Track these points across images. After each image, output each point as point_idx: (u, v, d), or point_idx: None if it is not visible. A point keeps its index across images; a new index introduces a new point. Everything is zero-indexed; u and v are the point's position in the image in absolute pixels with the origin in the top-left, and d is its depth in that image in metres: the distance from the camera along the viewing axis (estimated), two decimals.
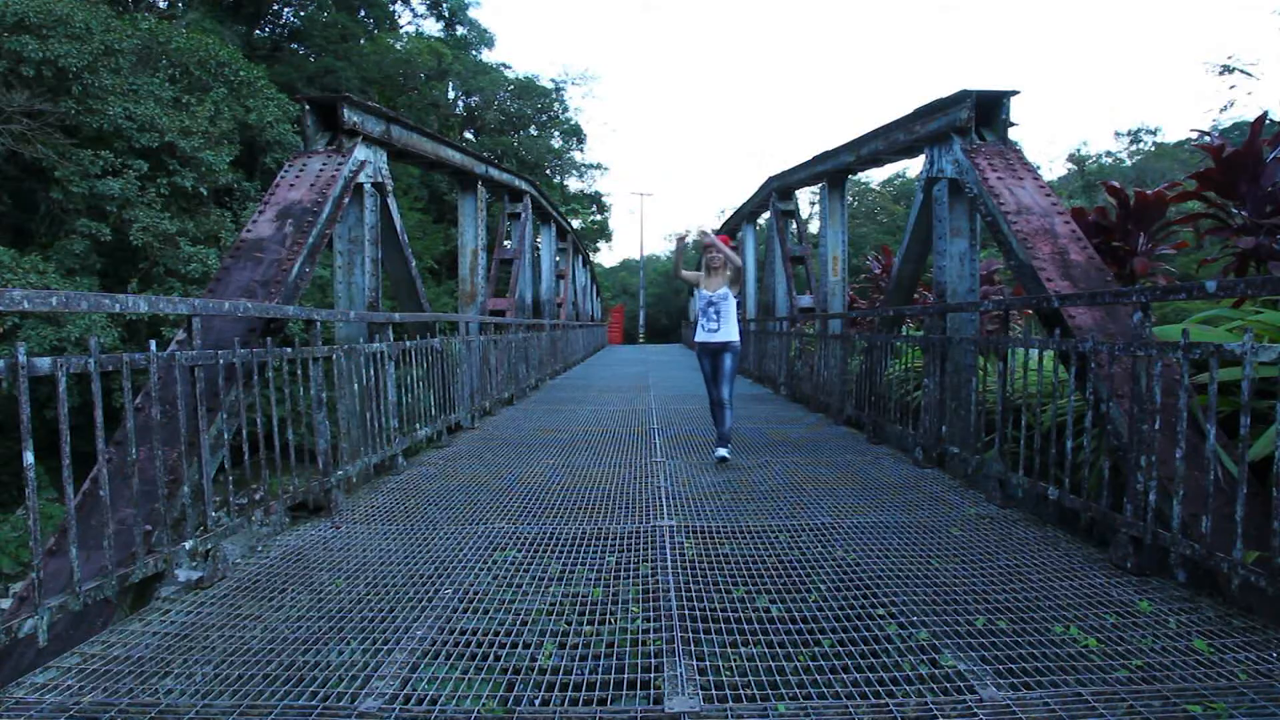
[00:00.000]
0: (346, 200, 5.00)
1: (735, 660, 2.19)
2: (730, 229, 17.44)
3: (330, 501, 4.00)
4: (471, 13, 33.15)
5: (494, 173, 9.26)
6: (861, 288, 12.78)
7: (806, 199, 33.25)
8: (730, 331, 5.23)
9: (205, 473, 2.98)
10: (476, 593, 2.76)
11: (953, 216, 5.50)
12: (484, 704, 1.98)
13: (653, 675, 2.10)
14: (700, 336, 5.35)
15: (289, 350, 3.64)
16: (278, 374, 3.54)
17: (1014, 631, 2.36)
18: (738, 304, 5.33)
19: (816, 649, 2.26)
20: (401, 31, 30.68)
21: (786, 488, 4.40)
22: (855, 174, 9.23)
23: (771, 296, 11.89)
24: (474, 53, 32.74)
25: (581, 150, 37.92)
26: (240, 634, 2.42)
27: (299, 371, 3.76)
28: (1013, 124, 5.23)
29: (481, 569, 3.02)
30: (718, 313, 5.22)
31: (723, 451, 5.11)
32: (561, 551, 3.24)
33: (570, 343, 16.27)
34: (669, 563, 3.02)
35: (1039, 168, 5.84)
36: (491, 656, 2.24)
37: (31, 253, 12.45)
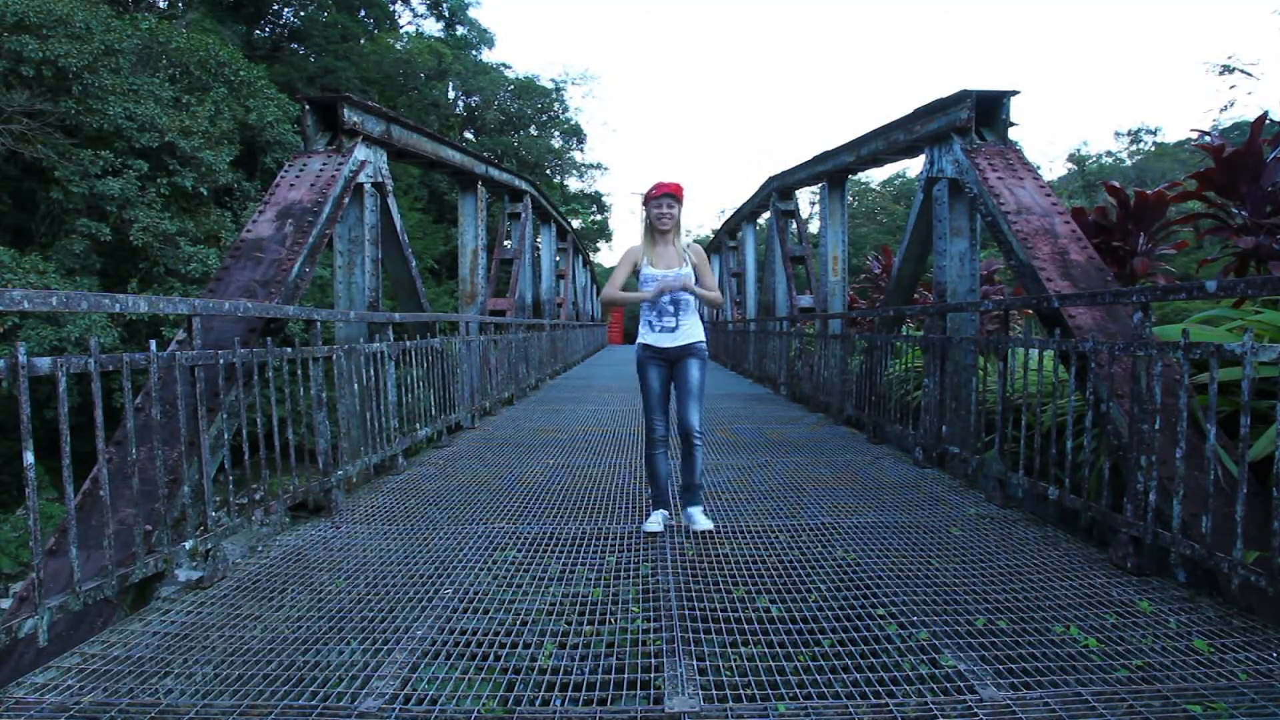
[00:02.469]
0: (346, 200, 5.00)
1: (735, 660, 2.19)
2: (730, 228, 17.45)
3: (330, 501, 3.99)
4: (471, 13, 33.21)
5: (494, 173, 9.26)
6: (861, 288, 12.78)
7: (806, 199, 33.25)
8: (695, 329, 3.50)
9: (205, 473, 2.98)
10: (476, 593, 2.75)
11: (953, 216, 5.50)
12: (484, 704, 1.98)
13: (653, 675, 2.10)
14: (650, 337, 3.49)
15: (289, 350, 3.64)
16: (278, 374, 3.54)
17: (1014, 631, 2.35)
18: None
19: (816, 649, 2.26)
20: (401, 31, 30.70)
21: (786, 488, 4.39)
22: (855, 174, 9.23)
23: (771, 296, 11.89)
24: (474, 53, 32.76)
25: (581, 150, 38.01)
26: (240, 634, 2.42)
27: (299, 371, 3.76)
28: (1013, 124, 5.24)
29: (481, 569, 3.02)
30: (674, 302, 3.44)
31: (699, 518, 3.43)
32: (561, 551, 3.24)
33: (570, 343, 16.28)
34: (669, 563, 3.02)
35: (1039, 168, 5.84)
36: (491, 656, 2.24)
37: (31, 253, 12.45)
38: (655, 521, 3.47)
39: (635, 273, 3.52)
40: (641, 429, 3.76)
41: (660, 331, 3.47)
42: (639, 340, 3.56)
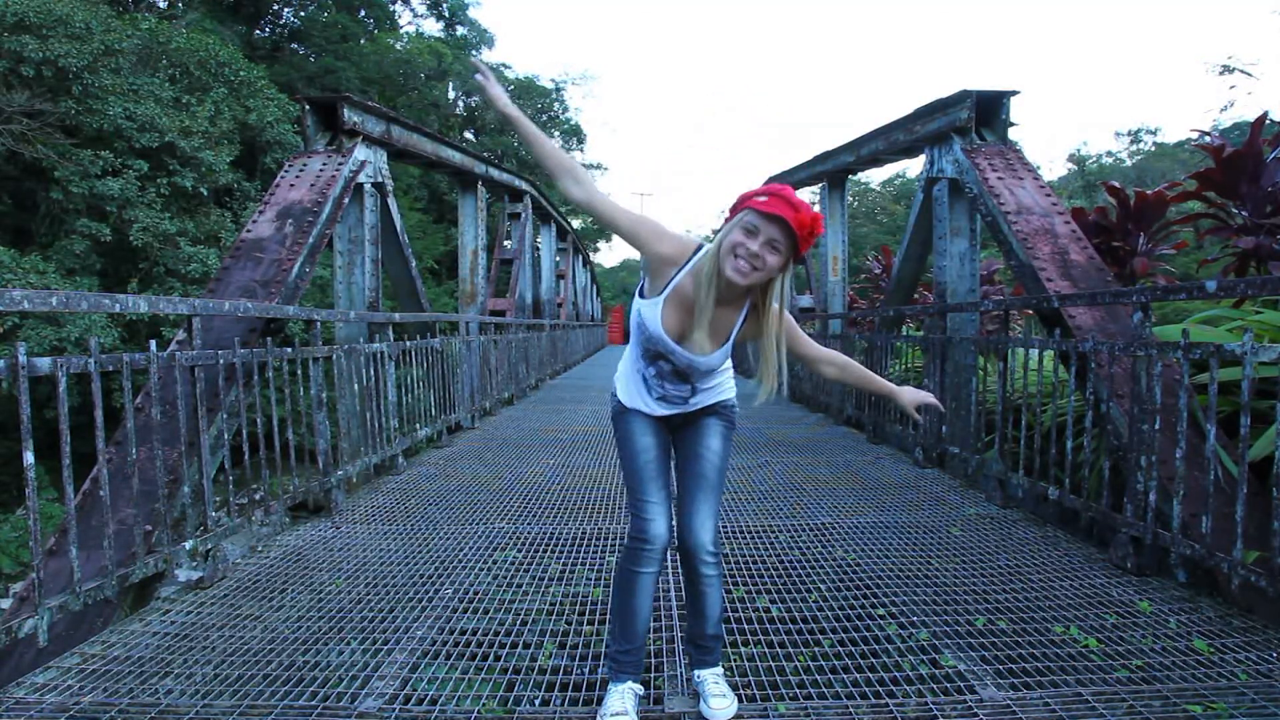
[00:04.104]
0: (346, 200, 5.00)
1: (735, 660, 2.19)
2: None
3: (330, 501, 3.99)
4: (471, 13, 33.21)
5: (494, 173, 9.26)
6: (861, 288, 12.78)
7: (806, 199, 33.25)
8: (721, 391, 2.03)
9: (205, 473, 2.98)
10: (476, 593, 2.76)
11: (953, 216, 5.49)
12: (484, 704, 1.98)
13: (653, 675, 2.10)
14: (640, 398, 2.03)
15: (289, 350, 3.64)
16: (278, 374, 3.53)
17: (1014, 631, 2.35)
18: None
19: (816, 649, 2.26)
20: (401, 31, 30.69)
21: (786, 488, 4.39)
22: (855, 174, 9.23)
23: None
24: (474, 53, 32.74)
25: (581, 150, 37.98)
26: (240, 634, 2.42)
27: (299, 371, 3.76)
28: (1013, 124, 5.24)
29: (481, 569, 3.02)
30: (688, 378, 1.94)
31: (718, 690, 1.91)
32: (561, 551, 3.24)
33: (570, 343, 16.27)
34: (669, 563, 3.02)
35: (1039, 168, 5.85)
36: (491, 656, 2.24)
37: (31, 253, 12.44)
38: (619, 704, 1.87)
39: (641, 248, 1.84)
40: None
41: (662, 400, 1.98)
42: (618, 394, 2.10)
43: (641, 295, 1.88)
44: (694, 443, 2.00)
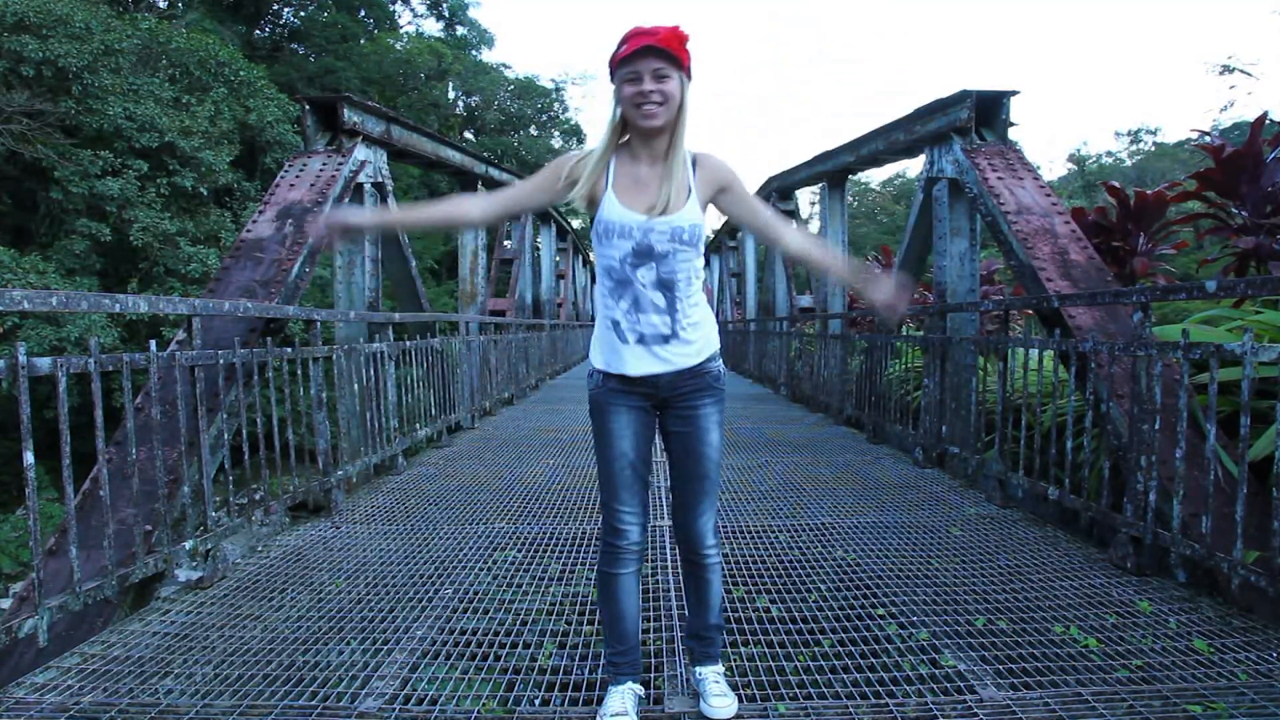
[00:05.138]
0: (346, 200, 5.00)
1: (735, 660, 2.19)
2: (730, 228, 17.44)
3: (330, 501, 3.99)
4: (471, 13, 33.22)
5: (494, 173, 9.26)
6: None
7: (806, 199, 33.23)
8: (705, 330, 1.80)
9: (205, 473, 2.98)
10: (476, 593, 2.76)
11: (953, 216, 5.49)
12: (484, 704, 1.98)
13: (653, 675, 2.10)
14: (620, 357, 1.75)
15: (289, 350, 3.64)
16: (278, 374, 3.53)
17: (1014, 631, 2.35)
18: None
19: (816, 649, 2.26)
20: (401, 31, 30.70)
21: (786, 488, 4.39)
22: (855, 174, 9.23)
23: (771, 296, 11.89)
24: (474, 53, 32.78)
25: (581, 149, 38.02)
26: (240, 634, 2.42)
27: (299, 371, 3.76)
28: (1013, 124, 5.23)
29: (481, 569, 3.02)
30: (671, 285, 1.73)
31: (718, 689, 1.89)
32: (561, 551, 3.24)
33: (570, 343, 16.27)
34: (669, 563, 3.02)
35: (1039, 168, 5.84)
36: (491, 656, 2.24)
37: (31, 253, 12.45)
38: (619, 704, 1.83)
39: (565, 191, 1.81)
40: None
41: (640, 342, 1.74)
42: (593, 361, 1.84)
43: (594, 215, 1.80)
44: (692, 438, 1.82)
